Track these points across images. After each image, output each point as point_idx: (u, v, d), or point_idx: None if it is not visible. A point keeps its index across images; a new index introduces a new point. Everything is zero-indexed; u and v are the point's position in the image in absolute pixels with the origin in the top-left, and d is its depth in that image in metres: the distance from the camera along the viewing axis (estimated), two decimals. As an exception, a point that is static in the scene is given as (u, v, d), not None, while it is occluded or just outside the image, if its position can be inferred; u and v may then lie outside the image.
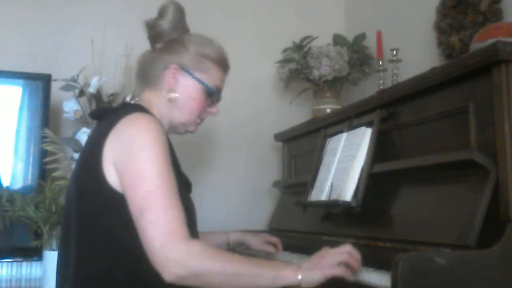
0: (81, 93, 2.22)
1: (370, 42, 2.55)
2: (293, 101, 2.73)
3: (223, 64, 1.58)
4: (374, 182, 1.70)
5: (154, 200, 1.24)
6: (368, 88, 2.58)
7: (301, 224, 2.14)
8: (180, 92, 1.50)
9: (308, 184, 2.04)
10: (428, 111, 1.59)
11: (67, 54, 2.46)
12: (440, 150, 1.52)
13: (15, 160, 2.25)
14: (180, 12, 1.54)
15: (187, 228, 1.26)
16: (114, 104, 2.23)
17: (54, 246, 2.03)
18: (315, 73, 2.46)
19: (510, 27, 1.66)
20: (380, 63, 2.29)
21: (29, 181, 2.24)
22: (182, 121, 1.54)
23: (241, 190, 2.72)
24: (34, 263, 2.25)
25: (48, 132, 2.14)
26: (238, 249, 1.98)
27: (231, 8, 2.83)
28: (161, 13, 1.53)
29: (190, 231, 1.27)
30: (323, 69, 2.44)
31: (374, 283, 1.34)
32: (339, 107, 2.46)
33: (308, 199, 2.01)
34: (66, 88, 2.19)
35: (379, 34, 2.32)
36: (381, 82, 2.26)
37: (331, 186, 1.85)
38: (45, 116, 2.26)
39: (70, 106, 2.21)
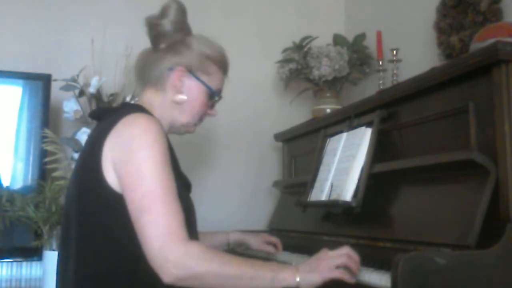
0: (81, 93, 2.22)
1: (370, 42, 2.55)
2: (293, 101, 2.73)
3: (224, 66, 1.58)
4: (374, 182, 1.70)
5: (153, 201, 1.24)
6: (368, 88, 2.58)
7: (301, 224, 2.14)
8: (185, 94, 1.50)
9: (308, 184, 2.04)
10: (428, 111, 1.59)
11: (67, 54, 2.46)
12: (440, 150, 1.52)
13: (15, 160, 2.25)
14: (182, 12, 1.53)
15: (186, 229, 1.26)
16: (114, 104, 2.23)
17: (54, 246, 2.03)
18: (315, 73, 2.46)
19: (510, 27, 1.66)
20: (380, 63, 2.29)
21: (29, 181, 2.24)
22: (184, 122, 1.54)
23: (241, 190, 2.72)
24: (34, 263, 2.25)
25: (48, 132, 2.14)
26: (238, 249, 1.99)
27: (231, 8, 2.83)
28: (163, 12, 1.52)
29: (189, 231, 1.27)
30: (323, 69, 2.44)
31: (374, 283, 1.34)
32: (339, 107, 2.46)
33: (308, 199, 2.01)
34: (66, 88, 2.19)
35: (379, 34, 2.32)
36: (381, 82, 2.26)
37: (331, 186, 1.85)
38: (45, 116, 2.26)
39: (70, 106, 2.21)
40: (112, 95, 2.27)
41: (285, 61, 2.61)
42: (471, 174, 1.37)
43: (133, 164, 1.28)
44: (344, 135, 1.92)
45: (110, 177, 1.30)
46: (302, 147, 2.43)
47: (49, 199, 2.03)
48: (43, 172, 2.20)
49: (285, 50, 2.66)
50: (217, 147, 2.72)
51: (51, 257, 1.96)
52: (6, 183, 2.22)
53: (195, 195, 1.54)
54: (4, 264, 2.24)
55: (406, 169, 1.60)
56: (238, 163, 2.74)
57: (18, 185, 2.24)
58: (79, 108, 2.20)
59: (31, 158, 2.24)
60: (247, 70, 2.71)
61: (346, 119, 1.97)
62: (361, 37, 2.60)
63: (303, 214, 2.06)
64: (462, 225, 1.32)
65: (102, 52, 2.36)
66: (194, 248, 1.23)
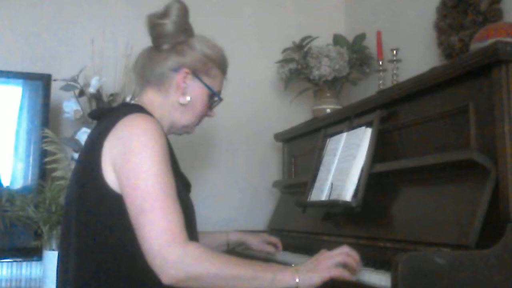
0: (81, 93, 2.22)
1: (370, 42, 2.55)
2: (293, 101, 2.73)
3: (225, 68, 1.59)
4: (374, 182, 1.70)
5: (152, 202, 1.24)
6: (368, 88, 2.58)
7: (301, 224, 2.14)
8: (189, 95, 1.50)
9: (308, 184, 2.04)
10: (428, 111, 1.59)
11: (67, 54, 2.46)
12: (440, 150, 1.52)
13: (15, 160, 2.25)
14: (184, 12, 1.52)
15: (186, 230, 1.26)
16: (114, 104, 2.23)
17: (54, 246, 2.03)
18: (315, 73, 2.46)
19: (510, 27, 1.66)
20: (380, 63, 2.28)
21: (29, 181, 2.24)
22: (185, 123, 1.54)
23: (241, 190, 2.72)
24: (34, 263, 2.25)
25: (48, 132, 2.14)
26: (238, 249, 1.98)
27: (231, 8, 2.83)
28: (166, 12, 1.51)
29: (189, 232, 1.27)
30: (323, 69, 2.44)
31: (374, 283, 1.34)
32: (339, 107, 2.46)
33: (308, 199, 2.01)
34: (66, 88, 2.19)
35: (379, 34, 2.32)
36: (381, 82, 2.26)
37: (331, 186, 1.85)
38: (45, 116, 2.26)
39: (70, 106, 2.21)
40: (112, 95, 2.26)
41: (285, 61, 2.61)
42: (471, 174, 1.37)
43: (132, 164, 1.28)
44: (344, 135, 1.92)
45: (110, 177, 1.30)
46: (302, 147, 2.43)
47: (49, 199, 2.03)
48: (43, 172, 2.20)
49: (285, 50, 2.66)
50: (217, 147, 2.72)
51: (51, 257, 1.96)
52: (6, 183, 2.22)
53: (195, 195, 1.54)
54: (4, 264, 2.24)
55: (406, 169, 1.60)
56: (238, 163, 2.74)
57: (18, 185, 2.24)
58: (79, 108, 2.20)
59: (31, 158, 2.24)
60: (247, 70, 2.71)
61: (346, 119, 1.97)
62: (361, 37, 2.60)
63: (303, 214, 2.06)
64: (462, 225, 1.32)
65: (102, 52, 2.36)
66: (194, 249, 1.23)
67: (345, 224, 1.82)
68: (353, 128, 1.89)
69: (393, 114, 1.75)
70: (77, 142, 2.12)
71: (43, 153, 2.19)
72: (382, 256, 1.51)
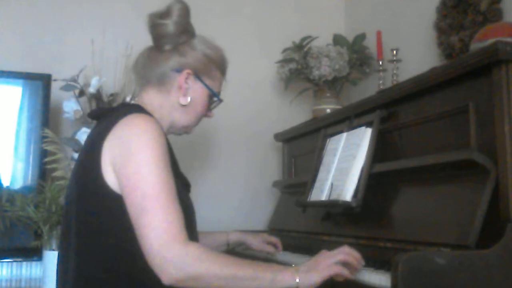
0: (81, 93, 2.22)
1: (370, 42, 2.55)
2: (293, 101, 2.73)
3: (225, 69, 1.59)
4: (374, 182, 1.70)
5: (152, 202, 1.24)
6: (368, 88, 2.58)
7: (301, 224, 2.14)
8: (190, 96, 1.50)
9: (308, 184, 2.04)
10: (428, 111, 1.59)
11: (67, 54, 2.46)
12: (440, 150, 1.52)
13: (15, 160, 2.25)
14: (186, 13, 1.52)
15: (186, 230, 1.26)
16: (114, 104, 2.23)
17: (54, 246, 2.03)
18: (315, 73, 2.46)
19: (510, 27, 1.66)
20: (380, 63, 2.28)
21: (29, 181, 2.24)
22: (184, 124, 1.54)
23: (241, 190, 2.72)
24: (34, 263, 2.25)
25: (48, 132, 2.14)
26: (238, 249, 1.98)
27: (231, 8, 2.83)
28: (167, 12, 1.50)
29: (189, 232, 1.27)
30: (323, 69, 2.44)
31: (374, 283, 1.34)
32: (339, 107, 2.46)
33: (308, 199, 2.01)
34: (66, 88, 2.19)
35: (379, 34, 2.32)
36: (381, 82, 2.26)
37: (331, 186, 1.85)
38: (45, 116, 2.26)
39: (70, 106, 2.21)
40: (112, 95, 2.27)
41: (285, 61, 2.61)
42: (471, 174, 1.37)
43: (132, 165, 1.28)
44: (344, 135, 1.92)
45: (110, 177, 1.30)
46: (302, 147, 2.43)
47: (49, 199, 2.03)
48: (43, 172, 2.20)
49: (285, 50, 2.66)
50: (217, 147, 2.72)
51: (51, 257, 1.96)
52: (6, 183, 2.22)
53: (195, 195, 1.54)
54: (4, 264, 2.24)
55: (406, 169, 1.60)
56: (238, 163, 2.74)
57: (18, 185, 2.24)
58: (79, 108, 2.20)
59: (31, 158, 2.24)
60: (247, 70, 2.71)
61: (346, 119, 1.97)
62: (361, 37, 2.60)
63: (303, 214, 2.06)
64: (462, 225, 1.32)
65: (102, 52, 2.36)
66: (194, 249, 1.23)
67: (345, 224, 1.82)
68: (353, 128, 1.89)
69: (393, 114, 1.75)
70: (77, 142, 2.12)
71: (43, 153, 2.19)
72: (382, 256, 1.51)
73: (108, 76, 2.31)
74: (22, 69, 2.31)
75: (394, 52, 2.21)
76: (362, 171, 1.72)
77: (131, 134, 1.31)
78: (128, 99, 2.17)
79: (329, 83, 2.51)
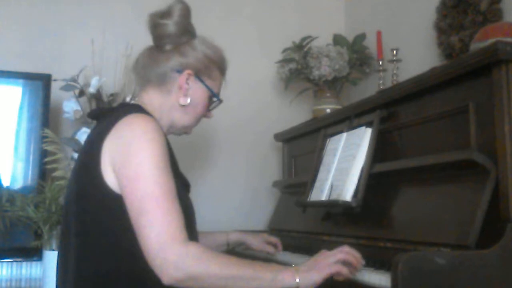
0: (81, 93, 2.22)
1: (370, 42, 2.55)
2: (293, 101, 2.73)
3: (224, 70, 1.59)
4: (374, 182, 1.70)
5: (152, 203, 1.24)
6: (368, 88, 2.58)
7: (301, 224, 2.14)
8: (191, 97, 1.50)
9: (308, 184, 2.04)
10: (428, 111, 1.59)
11: (67, 54, 2.46)
12: (440, 150, 1.52)
13: (15, 160, 2.25)
14: (187, 13, 1.52)
15: (185, 230, 1.26)
16: (114, 104, 2.23)
17: (54, 246, 2.03)
18: (315, 73, 2.46)
19: (510, 27, 1.66)
20: (380, 63, 2.28)
21: (29, 181, 2.24)
22: (184, 124, 1.54)
23: (241, 190, 2.72)
24: (34, 263, 2.25)
25: (48, 132, 2.14)
26: (238, 249, 1.98)
27: (231, 8, 2.83)
28: (168, 12, 1.50)
29: (189, 232, 1.27)
30: (323, 69, 2.44)
31: (374, 283, 1.34)
32: (339, 107, 2.46)
33: (308, 199, 2.01)
34: (66, 88, 2.19)
35: (379, 34, 2.32)
36: (381, 82, 2.26)
37: (331, 186, 1.85)
38: (45, 116, 2.26)
39: (70, 106, 2.21)
40: (112, 95, 2.26)
41: (285, 61, 2.61)
42: (471, 174, 1.37)
43: (132, 165, 1.27)
44: (344, 135, 1.92)
45: (109, 178, 1.30)
46: (302, 147, 2.43)
47: (49, 199, 2.03)
48: (43, 172, 2.20)
49: (285, 50, 2.66)
50: (217, 147, 2.72)
51: (51, 257, 1.96)
52: (6, 183, 2.22)
53: (195, 195, 1.54)
54: (4, 264, 2.24)
55: (406, 169, 1.60)
56: (238, 163, 2.74)
57: (18, 185, 2.24)
58: (79, 108, 2.20)
59: (31, 158, 2.24)
60: (247, 70, 2.71)
61: (346, 119, 1.97)
62: (361, 37, 2.60)
63: (303, 214, 2.06)
64: (462, 225, 1.32)
65: (102, 52, 2.36)
66: (194, 249, 1.23)
67: (345, 224, 1.82)
68: (353, 128, 1.89)
69: (393, 114, 1.75)
70: (77, 142, 2.12)
71: (43, 153, 2.19)
72: (382, 256, 1.51)
73: (108, 76, 2.31)
74: (22, 69, 2.31)
75: (394, 52, 2.22)
76: (362, 171, 1.73)
77: (131, 135, 1.31)
78: (128, 99, 2.17)
79: (329, 83, 2.51)
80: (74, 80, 2.20)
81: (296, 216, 2.18)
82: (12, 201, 2.07)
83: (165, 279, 1.21)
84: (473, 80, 1.42)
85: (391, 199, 1.64)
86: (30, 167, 2.25)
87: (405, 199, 1.60)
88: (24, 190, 2.18)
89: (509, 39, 1.42)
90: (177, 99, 1.49)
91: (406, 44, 2.33)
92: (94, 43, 2.35)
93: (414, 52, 2.32)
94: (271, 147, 2.77)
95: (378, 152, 1.74)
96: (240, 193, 2.71)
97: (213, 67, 1.54)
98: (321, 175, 1.98)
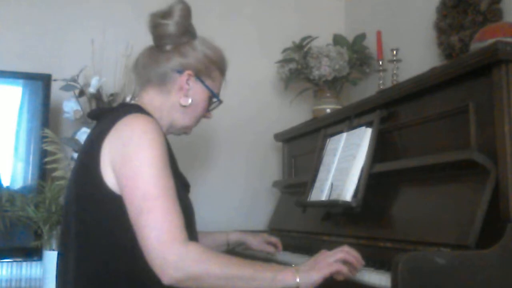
0: (81, 93, 2.22)
1: (370, 42, 2.55)
2: (293, 101, 2.73)
3: (224, 70, 1.60)
4: (374, 182, 1.70)
5: (152, 202, 1.24)
6: (368, 88, 2.58)
7: (301, 224, 2.14)
8: (191, 97, 1.50)
9: (308, 184, 2.04)
10: (428, 111, 1.59)
11: (67, 54, 2.46)
12: (440, 150, 1.52)
13: (15, 160, 2.25)
14: (187, 13, 1.52)
15: (185, 230, 1.26)
16: (114, 104, 2.23)
17: (54, 246, 2.03)
18: (315, 73, 2.46)
19: (510, 27, 1.66)
20: (380, 63, 2.29)
21: (29, 181, 2.24)
22: (184, 124, 1.54)
23: (241, 190, 2.72)
24: (34, 263, 2.25)
25: (48, 132, 2.14)
26: (238, 249, 1.98)
27: (231, 8, 2.83)
28: (168, 12, 1.50)
29: (189, 232, 1.27)
30: (323, 69, 2.44)
31: (374, 283, 1.34)
32: (339, 107, 2.46)
33: (308, 199, 2.01)
34: (66, 88, 2.19)
35: (379, 34, 2.32)
36: (381, 82, 2.26)
37: (331, 186, 1.85)
38: (45, 116, 2.26)
39: (70, 106, 2.21)
40: (112, 95, 2.27)
41: (285, 61, 2.61)
42: (471, 174, 1.37)
43: (131, 165, 1.27)
44: (344, 135, 1.92)
45: (109, 178, 1.30)
46: (302, 147, 2.43)
47: (49, 199, 2.03)
48: (43, 172, 2.20)
49: (285, 50, 2.67)
50: (217, 147, 2.72)
51: (51, 257, 1.96)
52: (6, 183, 2.22)
53: (195, 195, 1.54)
54: (4, 264, 2.24)
55: (406, 169, 1.60)
56: (238, 163, 2.74)
57: (18, 185, 2.24)
58: (79, 108, 2.20)
59: (31, 158, 2.24)
60: (247, 70, 2.71)
61: (346, 119, 1.97)
62: (361, 37, 2.60)
63: (303, 214, 2.06)
64: (462, 225, 1.32)
65: (102, 52, 2.36)
66: (194, 249, 1.23)
67: (345, 224, 1.82)
68: (353, 128, 1.89)
69: (393, 114, 1.75)
70: (77, 142, 2.12)
71: (43, 153, 2.19)
72: (382, 256, 1.51)
73: (108, 76, 2.31)
74: (22, 69, 2.31)
75: (394, 52, 2.22)
76: (362, 171, 1.73)
77: (131, 135, 1.31)
78: (128, 99, 2.17)
79: (329, 83, 2.51)
80: (74, 80, 2.20)
81: (296, 216, 2.18)
82: (12, 201, 2.07)
83: (165, 279, 1.21)
84: (473, 80, 1.42)
85: (391, 199, 1.64)
86: (30, 167, 2.25)
87: (405, 199, 1.60)
88: (24, 190, 2.18)
89: (509, 39, 1.42)
90: (177, 99, 1.49)
91: (406, 44, 2.33)
92: (94, 43, 2.35)
93: (414, 52, 2.32)
94: (271, 147, 2.77)
95: (378, 152, 1.74)
96: (240, 193, 2.71)
97: (213, 68, 1.54)
98: (321, 175, 1.98)
